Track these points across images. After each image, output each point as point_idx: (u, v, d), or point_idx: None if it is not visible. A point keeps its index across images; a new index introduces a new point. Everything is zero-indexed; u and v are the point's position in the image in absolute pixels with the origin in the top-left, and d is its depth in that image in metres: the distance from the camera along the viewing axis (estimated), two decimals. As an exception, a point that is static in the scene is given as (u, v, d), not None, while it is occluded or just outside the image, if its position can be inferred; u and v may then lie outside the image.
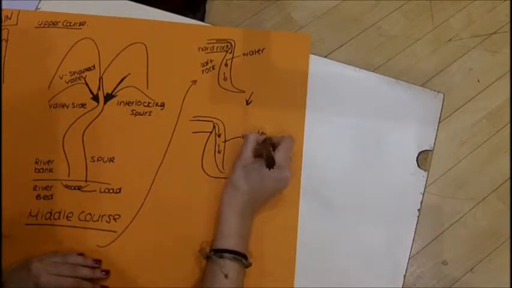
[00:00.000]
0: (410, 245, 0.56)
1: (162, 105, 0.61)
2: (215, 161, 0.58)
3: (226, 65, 0.62)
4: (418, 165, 0.59)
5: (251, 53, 0.63)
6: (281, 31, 0.64)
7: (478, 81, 1.29)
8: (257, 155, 0.54)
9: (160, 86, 0.62)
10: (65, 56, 0.63)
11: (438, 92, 0.62)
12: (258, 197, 0.52)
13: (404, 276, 0.55)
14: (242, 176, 0.51)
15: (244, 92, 0.61)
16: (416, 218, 0.57)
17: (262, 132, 0.59)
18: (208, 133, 0.59)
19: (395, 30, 1.34)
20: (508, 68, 1.29)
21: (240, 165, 0.52)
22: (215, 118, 0.60)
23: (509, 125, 1.25)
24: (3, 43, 0.63)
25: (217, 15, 1.31)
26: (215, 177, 0.57)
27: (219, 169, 0.58)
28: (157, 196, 0.57)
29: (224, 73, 0.62)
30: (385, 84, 0.62)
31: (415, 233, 0.56)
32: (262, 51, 0.63)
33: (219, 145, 0.59)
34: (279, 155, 0.51)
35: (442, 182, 1.20)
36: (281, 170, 0.51)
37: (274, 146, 0.53)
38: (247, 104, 0.61)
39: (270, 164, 0.50)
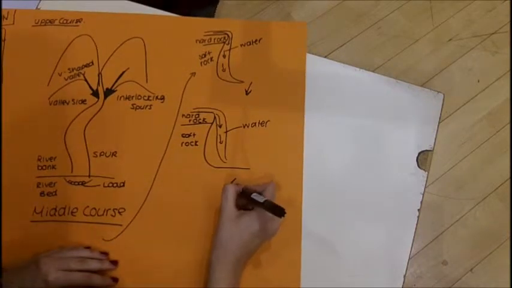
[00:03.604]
0: (410, 245, 0.55)
1: (162, 98, 0.61)
2: (217, 151, 0.58)
3: (224, 56, 0.62)
4: (418, 165, 0.59)
5: (248, 43, 0.63)
6: (277, 21, 0.64)
7: (478, 81, 1.29)
8: (240, 206, 0.51)
9: (159, 79, 0.62)
10: (63, 53, 0.63)
11: (438, 92, 0.62)
12: (248, 252, 0.50)
13: (404, 276, 0.55)
14: (230, 234, 0.48)
15: (243, 82, 0.61)
16: (416, 218, 0.57)
17: (234, 180, 0.57)
18: (210, 124, 0.59)
19: (395, 30, 1.34)
20: (508, 68, 1.29)
21: (226, 221, 0.49)
22: (215, 109, 0.60)
23: (509, 125, 1.25)
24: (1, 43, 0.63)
25: (217, 15, 1.31)
26: (218, 168, 0.58)
27: (221, 159, 0.58)
28: (162, 188, 0.57)
29: (222, 64, 0.62)
30: (385, 84, 0.62)
31: (415, 233, 0.56)
32: (259, 41, 0.63)
33: (220, 136, 0.59)
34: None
35: (442, 182, 1.20)
36: (272, 222, 0.48)
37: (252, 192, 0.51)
38: (246, 94, 0.61)
39: (281, 213, 0.45)
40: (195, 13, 0.68)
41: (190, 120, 0.60)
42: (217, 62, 0.62)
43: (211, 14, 1.17)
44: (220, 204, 0.51)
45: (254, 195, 0.49)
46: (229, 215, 0.49)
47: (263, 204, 0.47)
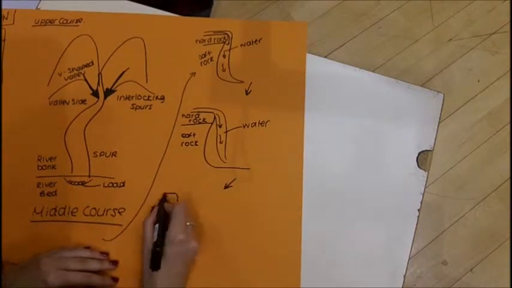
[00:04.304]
0: (410, 245, 0.55)
1: (162, 98, 0.61)
2: (217, 151, 0.58)
3: (224, 56, 0.62)
4: (418, 165, 0.59)
5: (248, 43, 0.63)
6: (277, 21, 0.64)
7: (478, 81, 1.29)
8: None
9: (159, 79, 0.62)
10: (63, 53, 0.63)
11: (438, 92, 0.62)
12: (174, 275, 0.49)
13: (404, 276, 0.55)
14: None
15: (243, 82, 0.61)
16: (416, 218, 0.57)
17: (161, 206, 0.54)
18: (210, 124, 0.59)
19: (395, 30, 1.34)
20: (508, 68, 1.29)
21: (147, 254, 0.50)
22: (215, 109, 0.60)
23: (509, 125, 1.25)
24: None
25: (217, 15, 1.31)
26: (218, 168, 0.58)
27: (221, 159, 0.58)
28: (162, 188, 0.57)
29: (222, 64, 0.62)
30: (385, 84, 0.62)
31: (415, 233, 0.56)
32: (259, 41, 0.63)
33: (220, 136, 0.59)
34: (173, 230, 0.49)
35: (442, 182, 1.20)
36: (184, 243, 0.49)
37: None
38: (246, 94, 0.61)
39: (152, 266, 0.48)
40: (193, 14, 0.68)
41: (190, 120, 0.60)
42: (217, 62, 0.62)
43: (207, 14, 1.17)
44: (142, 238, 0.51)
45: (156, 227, 0.50)
46: (149, 247, 0.50)
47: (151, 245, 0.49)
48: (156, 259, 0.48)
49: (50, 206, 0.56)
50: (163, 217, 0.51)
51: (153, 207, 0.55)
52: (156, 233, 0.49)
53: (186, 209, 0.52)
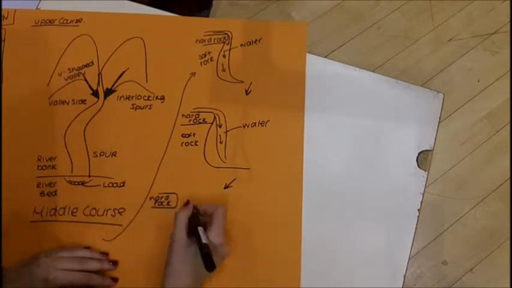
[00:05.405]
0: (410, 245, 0.55)
1: (162, 98, 0.61)
2: (217, 151, 0.58)
3: (224, 56, 0.62)
4: (418, 165, 0.59)
5: (248, 43, 0.63)
6: (277, 21, 0.64)
7: (478, 81, 1.29)
8: (190, 232, 0.50)
9: (159, 79, 0.62)
10: (63, 53, 0.63)
11: (438, 92, 0.62)
12: (200, 277, 0.49)
13: (404, 276, 0.55)
14: (181, 261, 0.47)
15: (243, 82, 0.61)
16: (416, 218, 0.57)
17: (194, 206, 0.53)
18: (209, 124, 0.59)
19: (395, 30, 1.34)
20: (508, 68, 1.29)
21: (177, 250, 0.48)
22: (215, 109, 0.60)
23: (509, 125, 1.25)
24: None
25: (217, 15, 1.31)
26: (218, 168, 0.58)
27: (221, 159, 0.58)
28: (161, 188, 0.57)
29: (222, 64, 0.62)
30: (385, 84, 0.62)
31: (415, 233, 0.56)
32: (259, 41, 0.63)
33: (220, 136, 0.59)
34: (214, 232, 0.49)
35: (442, 182, 1.20)
36: (220, 248, 0.49)
37: (206, 213, 0.52)
38: (246, 94, 0.61)
39: (209, 267, 0.45)
40: (193, 14, 0.68)
41: (190, 120, 0.60)
42: (217, 62, 0.62)
43: (207, 14, 1.17)
44: (172, 232, 0.49)
45: (200, 230, 0.48)
46: (180, 243, 0.48)
47: (200, 248, 0.46)
48: (210, 260, 0.45)
49: (50, 206, 0.56)
50: (197, 219, 0.50)
51: (187, 202, 0.54)
52: (205, 236, 0.48)
53: (226, 212, 0.52)
